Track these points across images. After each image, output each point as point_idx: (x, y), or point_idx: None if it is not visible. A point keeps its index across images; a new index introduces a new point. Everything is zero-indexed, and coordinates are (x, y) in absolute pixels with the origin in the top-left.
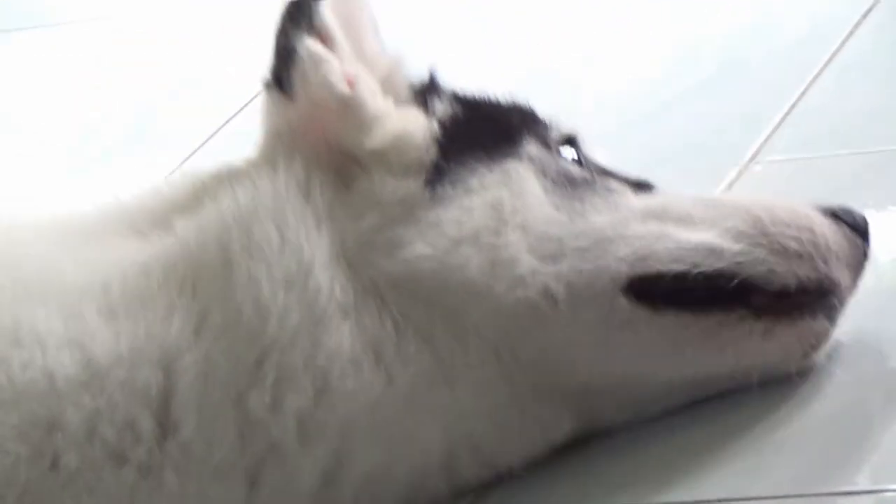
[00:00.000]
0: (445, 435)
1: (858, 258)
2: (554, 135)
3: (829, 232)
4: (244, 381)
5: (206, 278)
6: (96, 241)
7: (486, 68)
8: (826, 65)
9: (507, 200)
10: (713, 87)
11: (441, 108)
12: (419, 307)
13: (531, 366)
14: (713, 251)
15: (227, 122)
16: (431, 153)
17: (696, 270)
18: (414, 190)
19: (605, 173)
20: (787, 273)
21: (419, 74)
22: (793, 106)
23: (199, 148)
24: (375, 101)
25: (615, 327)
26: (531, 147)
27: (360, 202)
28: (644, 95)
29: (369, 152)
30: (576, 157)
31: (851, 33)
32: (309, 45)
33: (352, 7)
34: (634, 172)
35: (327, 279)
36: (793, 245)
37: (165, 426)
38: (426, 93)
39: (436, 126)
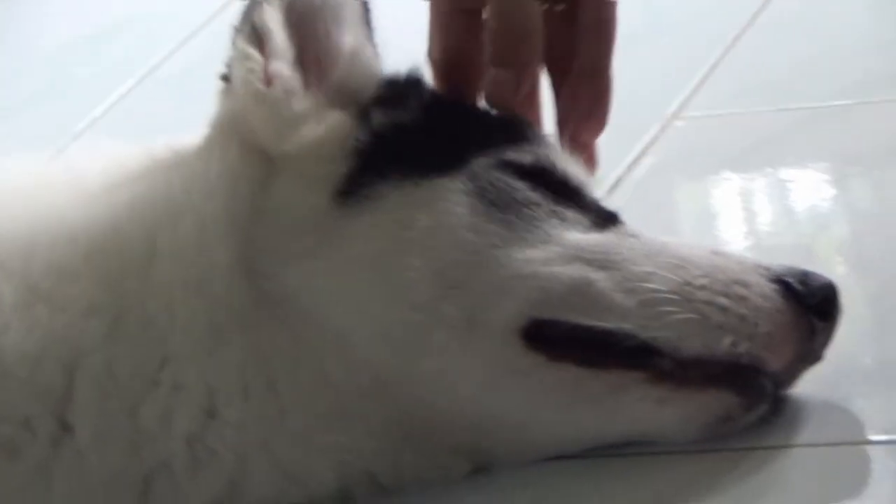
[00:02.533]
0: (341, 471)
1: (802, 335)
2: (513, 155)
3: (768, 306)
4: (141, 391)
5: (130, 272)
6: (36, 198)
7: None
8: (750, 22)
9: (423, 220)
10: (637, 42)
11: (381, 117)
12: (312, 328)
13: (420, 402)
14: (618, 310)
15: (150, 71)
16: (347, 164)
17: (597, 325)
18: (322, 201)
19: (570, 198)
20: (700, 344)
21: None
22: (716, 62)
23: (122, 95)
24: (291, 102)
25: (506, 370)
26: (479, 165)
27: (270, 206)
28: None
29: (283, 156)
30: (542, 177)
31: None
32: (237, 40)
33: (322, 4)
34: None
35: (225, 286)
36: (716, 316)
37: (63, 428)
38: (369, 104)
39: (364, 136)
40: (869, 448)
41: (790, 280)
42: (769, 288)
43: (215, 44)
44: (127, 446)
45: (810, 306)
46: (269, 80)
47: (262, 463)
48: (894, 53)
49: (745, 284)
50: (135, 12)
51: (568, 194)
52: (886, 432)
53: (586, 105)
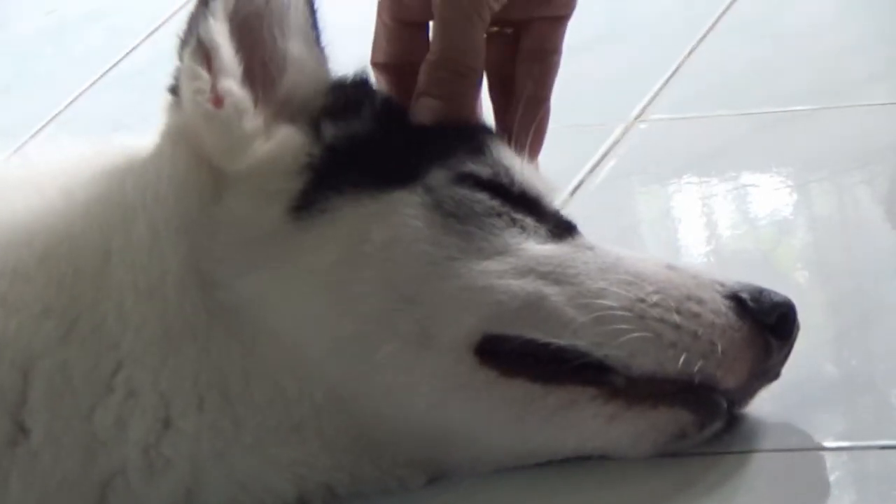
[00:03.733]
0: (298, 483)
1: (758, 354)
2: (472, 166)
3: (721, 323)
4: (95, 395)
5: (84, 276)
6: None
7: None
8: (712, 26)
9: (379, 233)
10: (601, 45)
11: (333, 129)
12: (265, 340)
13: (373, 416)
14: (570, 326)
15: (112, 66)
16: (300, 180)
17: (550, 341)
18: (275, 216)
19: (528, 208)
20: (653, 362)
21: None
22: (679, 66)
23: (82, 91)
24: (242, 122)
25: (458, 386)
26: (436, 177)
27: (222, 218)
28: None
29: (234, 173)
30: (500, 188)
31: None
32: (185, 58)
33: (267, 9)
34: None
35: (176, 292)
36: (669, 334)
37: (20, 430)
38: (320, 114)
39: (316, 150)
40: (828, 454)
41: (745, 297)
42: (724, 305)
43: (175, 38)
44: (82, 451)
45: (766, 324)
46: (217, 98)
47: (217, 473)
48: (857, 59)
49: (698, 301)
50: (99, 5)
51: (527, 204)
52: (846, 439)
53: (524, 132)
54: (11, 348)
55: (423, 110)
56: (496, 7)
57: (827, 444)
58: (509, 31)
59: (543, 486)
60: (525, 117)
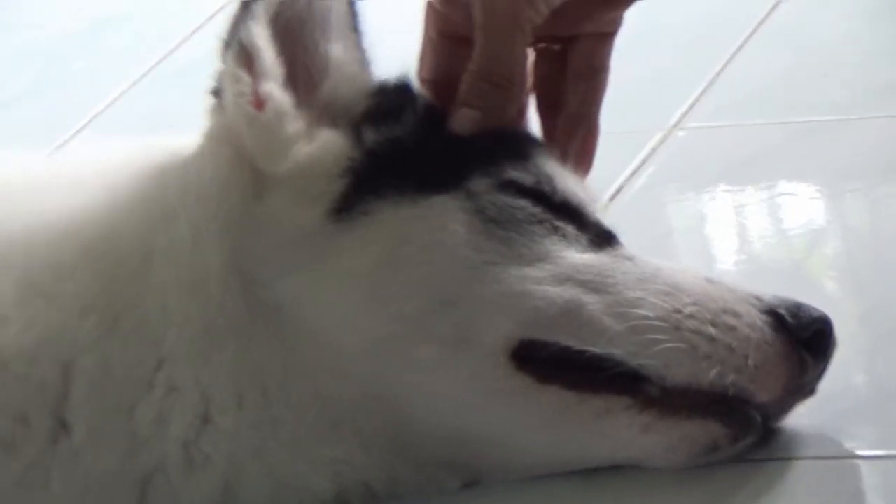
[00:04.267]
0: (336, 481)
1: (793, 369)
2: (515, 173)
3: (756, 337)
4: (137, 392)
5: (126, 272)
6: (37, 193)
7: None
8: (750, 35)
9: (419, 236)
10: (641, 52)
11: (376, 134)
12: (304, 339)
13: (409, 417)
14: (606, 334)
15: (153, 66)
16: (341, 183)
17: (586, 349)
18: (316, 218)
19: (569, 217)
20: (687, 373)
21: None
22: (717, 74)
23: (124, 91)
24: (284, 125)
25: (494, 390)
26: (479, 183)
27: (264, 219)
28: None
29: (275, 175)
30: (543, 196)
31: (776, 5)
32: (227, 61)
33: (309, 13)
34: None
35: (219, 289)
36: (704, 346)
37: (61, 426)
38: (361, 118)
39: (358, 154)
40: (860, 462)
41: (782, 312)
42: (760, 319)
43: (216, 40)
44: (123, 447)
45: (802, 340)
46: (259, 101)
47: (256, 470)
48: (892, 68)
49: (734, 314)
50: (139, 5)
51: (569, 212)
52: (877, 447)
53: (572, 149)
54: (54, 344)
55: (463, 121)
56: (538, 21)
57: (861, 452)
58: (557, 47)
59: (578, 495)
60: (573, 133)
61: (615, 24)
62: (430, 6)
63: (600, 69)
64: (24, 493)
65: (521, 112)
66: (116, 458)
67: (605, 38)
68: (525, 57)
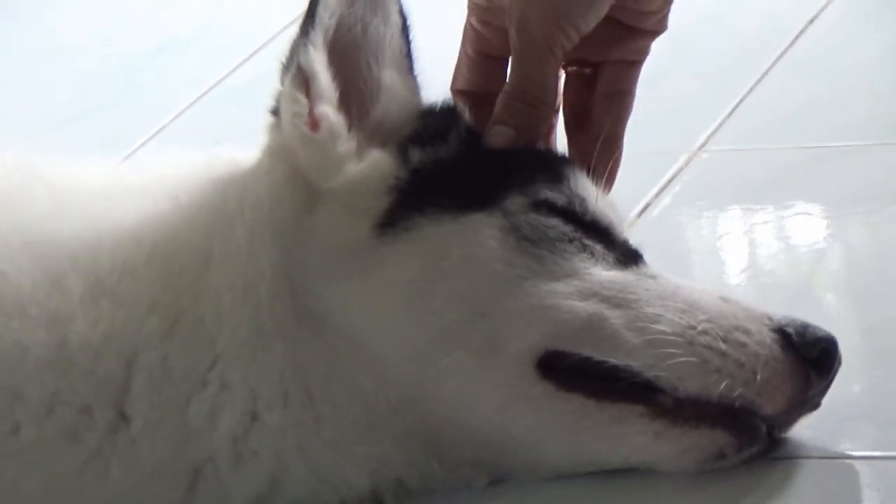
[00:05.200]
0: (373, 477)
1: (798, 385)
2: (548, 193)
3: (765, 354)
4: (192, 388)
5: (187, 275)
6: (107, 200)
7: None
8: (775, 62)
9: (457, 251)
10: (669, 78)
11: (422, 154)
12: (347, 344)
13: (442, 419)
14: (625, 347)
15: (216, 83)
16: (387, 200)
17: (606, 360)
18: (362, 231)
19: (598, 236)
20: (698, 385)
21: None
22: (741, 99)
23: (188, 105)
24: (336, 145)
25: (519, 396)
26: (514, 202)
27: (315, 230)
28: None
29: (326, 191)
30: (574, 216)
31: (801, 33)
32: (286, 83)
33: (364, 39)
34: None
35: (269, 293)
36: (715, 361)
37: (121, 417)
38: (408, 139)
39: (404, 174)
40: (857, 462)
41: (790, 331)
42: (769, 337)
43: (275, 61)
44: (177, 439)
45: (808, 358)
46: (314, 122)
47: (299, 466)
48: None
49: (745, 332)
50: (204, 27)
51: (598, 232)
52: (874, 449)
53: (599, 167)
54: (118, 340)
55: (497, 137)
56: (568, 46)
57: (858, 453)
58: (587, 71)
59: (591, 494)
60: (600, 154)
61: (642, 53)
62: (469, 25)
63: (626, 93)
64: (85, 480)
65: (550, 130)
66: (170, 450)
67: (633, 65)
68: (557, 79)
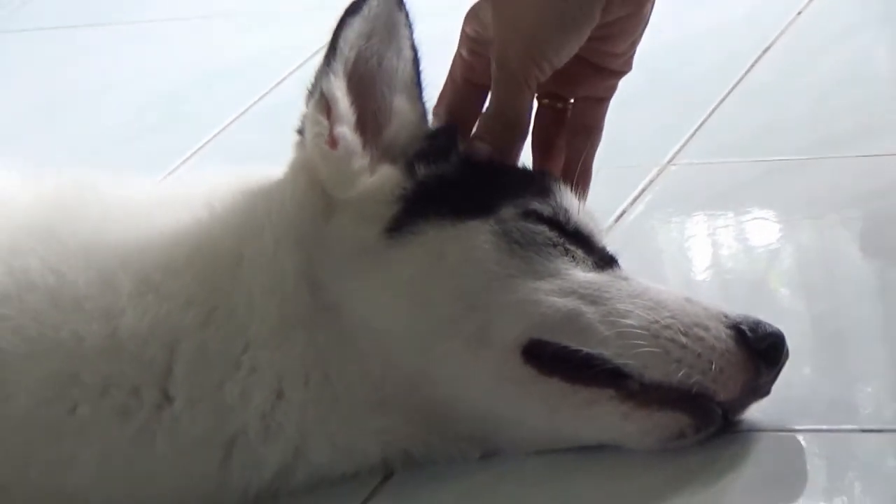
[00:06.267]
0: (384, 448)
1: (748, 375)
2: (537, 205)
3: (721, 347)
4: (226, 370)
5: (222, 273)
6: (152, 209)
7: None
8: (732, 88)
9: (455, 252)
10: (642, 101)
11: (427, 169)
12: (359, 332)
13: (440, 398)
14: (598, 337)
15: (247, 109)
16: (395, 208)
17: (581, 349)
18: (373, 234)
19: (580, 243)
20: (661, 373)
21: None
22: (704, 120)
23: (223, 128)
24: (352, 161)
25: (506, 378)
26: (506, 211)
27: (332, 234)
28: None
29: (342, 200)
30: (558, 225)
31: (754, 63)
32: (310, 107)
33: (379, 70)
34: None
35: (293, 292)
36: (675, 352)
37: (165, 397)
38: (414, 158)
39: (410, 185)
40: (805, 436)
41: (744, 327)
42: (725, 332)
43: (300, 88)
44: (214, 415)
45: (758, 350)
46: (333, 141)
47: (319, 437)
48: (856, 115)
49: (704, 328)
50: (236, 60)
51: (579, 238)
52: (819, 423)
53: (572, 188)
54: (162, 330)
55: (478, 151)
56: (542, 78)
57: (803, 427)
58: (559, 105)
59: (572, 468)
60: (570, 178)
61: (610, 91)
62: (459, 55)
63: (595, 128)
64: (135, 450)
65: (518, 152)
66: (208, 424)
67: (601, 101)
68: (531, 107)
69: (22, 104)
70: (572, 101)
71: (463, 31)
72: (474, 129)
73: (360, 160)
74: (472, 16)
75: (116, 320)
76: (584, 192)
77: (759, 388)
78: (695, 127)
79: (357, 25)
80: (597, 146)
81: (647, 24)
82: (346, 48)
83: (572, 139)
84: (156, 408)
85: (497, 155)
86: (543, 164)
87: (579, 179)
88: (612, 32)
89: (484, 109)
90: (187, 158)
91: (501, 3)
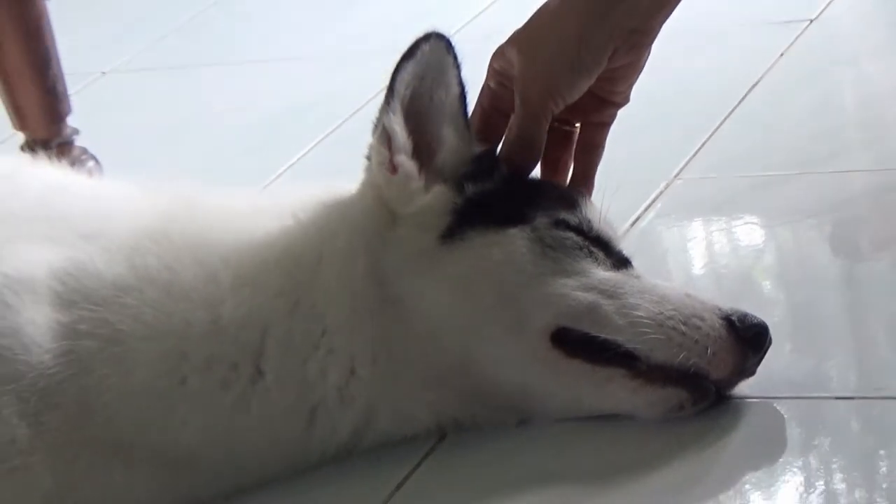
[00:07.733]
0: (437, 416)
1: (737, 358)
2: (565, 215)
3: (715, 335)
4: (308, 351)
5: (305, 271)
6: (248, 217)
7: None
8: (730, 114)
9: (496, 254)
10: (653, 123)
11: (473, 187)
12: (417, 321)
13: (484, 375)
14: (613, 325)
15: (327, 135)
16: (447, 219)
17: (599, 335)
18: (429, 241)
19: (600, 246)
20: (664, 356)
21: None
22: (706, 141)
23: (308, 151)
24: (410, 184)
25: (537, 359)
26: (540, 221)
27: (395, 240)
28: None
29: (402, 213)
30: (583, 232)
31: (749, 91)
32: (374, 138)
33: (431, 105)
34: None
35: (363, 286)
36: (676, 338)
37: (258, 372)
38: (462, 178)
39: (459, 201)
40: (785, 402)
41: (734, 318)
42: (718, 323)
43: (368, 119)
44: (298, 388)
45: (745, 338)
46: (394, 167)
47: (385, 407)
48: (832, 136)
49: (701, 318)
50: (319, 94)
51: (600, 243)
52: (798, 392)
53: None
54: (255, 317)
55: (505, 167)
56: (557, 111)
57: (785, 395)
58: (567, 128)
59: (588, 436)
60: (580, 186)
61: (611, 118)
62: (487, 86)
63: (598, 147)
64: (235, 414)
65: (533, 168)
66: (294, 395)
67: (603, 126)
68: (546, 133)
69: (150, 130)
70: (579, 125)
71: (491, 66)
72: (498, 150)
73: (417, 182)
74: (500, 54)
75: (218, 308)
76: (588, 197)
77: (746, 370)
78: (696, 147)
79: (411, 68)
80: (599, 162)
81: (643, 69)
82: (403, 88)
83: (580, 156)
84: (251, 381)
85: (520, 171)
86: (551, 177)
87: (585, 189)
88: (616, 75)
89: (506, 133)
90: (279, 175)
91: (526, 47)
